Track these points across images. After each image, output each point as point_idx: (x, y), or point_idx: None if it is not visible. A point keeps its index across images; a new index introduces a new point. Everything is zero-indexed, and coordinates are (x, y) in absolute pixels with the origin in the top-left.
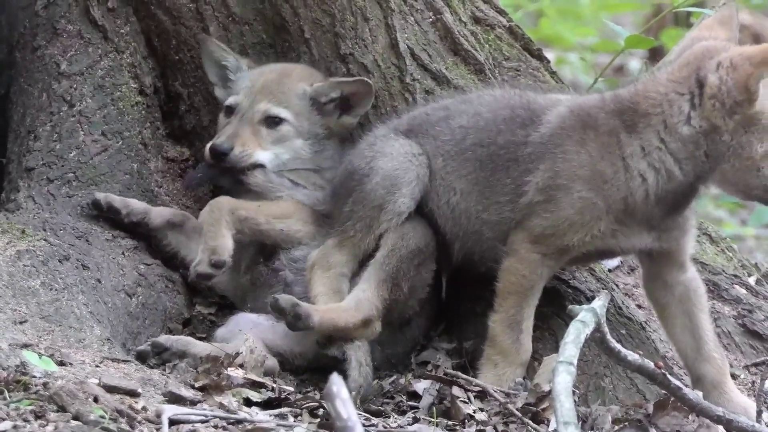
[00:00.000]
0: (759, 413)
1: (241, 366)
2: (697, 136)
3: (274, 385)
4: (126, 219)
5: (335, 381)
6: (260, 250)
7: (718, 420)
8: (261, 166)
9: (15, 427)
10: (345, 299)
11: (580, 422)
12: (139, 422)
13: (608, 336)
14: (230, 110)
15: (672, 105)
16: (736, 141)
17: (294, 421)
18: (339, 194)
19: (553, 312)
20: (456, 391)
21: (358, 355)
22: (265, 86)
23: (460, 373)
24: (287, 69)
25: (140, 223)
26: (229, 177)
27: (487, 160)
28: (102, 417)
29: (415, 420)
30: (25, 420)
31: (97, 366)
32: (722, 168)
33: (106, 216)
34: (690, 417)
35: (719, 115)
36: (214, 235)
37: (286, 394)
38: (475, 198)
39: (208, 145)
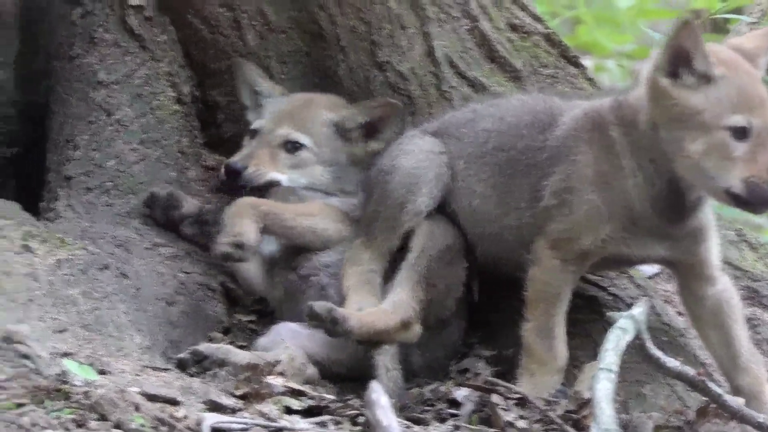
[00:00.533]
0: None
1: (281, 374)
2: (648, 131)
3: (315, 393)
4: (179, 211)
5: (375, 389)
6: (288, 260)
7: (759, 427)
8: (277, 183)
9: None
10: (382, 303)
11: (621, 429)
12: (180, 430)
13: (648, 343)
14: (254, 133)
15: (642, 98)
16: (671, 137)
17: (335, 429)
18: (368, 194)
19: (592, 319)
20: (496, 398)
21: (386, 360)
22: (289, 112)
23: (499, 381)
24: (315, 97)
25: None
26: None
27: (506, 165)
28: (143, 425)
29: (456, 428)
30: (66, 429)
31: (137, 374)
32: (676, 167)
33: (159, 206)
34: (731, 424)
35: (654, 110)
36: (234, 224)
37: (326, 402)
38: (494, 202)
39: (224, 163)
